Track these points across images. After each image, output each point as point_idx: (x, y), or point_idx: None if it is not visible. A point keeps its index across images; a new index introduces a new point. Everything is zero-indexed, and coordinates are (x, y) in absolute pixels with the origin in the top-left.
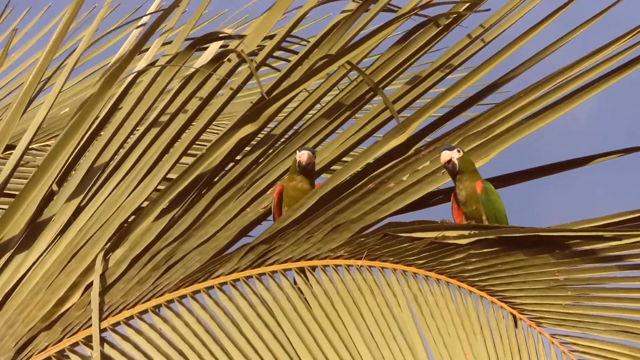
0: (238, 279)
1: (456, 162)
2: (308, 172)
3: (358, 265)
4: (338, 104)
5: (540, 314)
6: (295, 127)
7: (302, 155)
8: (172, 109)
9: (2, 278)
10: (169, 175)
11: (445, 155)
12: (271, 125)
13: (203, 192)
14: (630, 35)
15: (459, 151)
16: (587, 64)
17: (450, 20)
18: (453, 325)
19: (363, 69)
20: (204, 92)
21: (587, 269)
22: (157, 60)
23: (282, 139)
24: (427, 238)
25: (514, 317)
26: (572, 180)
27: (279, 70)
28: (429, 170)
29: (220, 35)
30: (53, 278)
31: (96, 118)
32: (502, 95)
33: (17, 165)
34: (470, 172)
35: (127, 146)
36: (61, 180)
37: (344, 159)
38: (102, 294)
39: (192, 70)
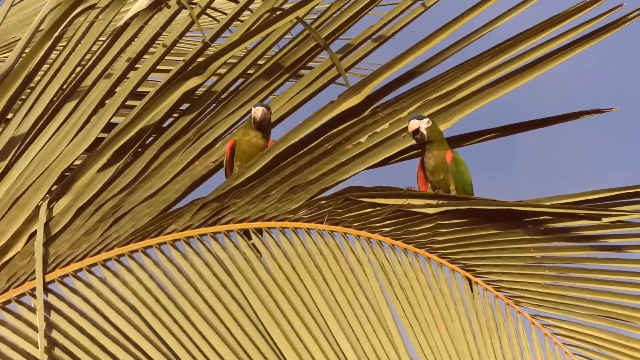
0: (192, 236)
1: (424, 132)
2: (263, 128)
3: (319, 229)
4: (287, 57)
5: (519, 293)
6: (242, 80)
7: (257, 111)
8: (112, 53)
9: None
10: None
11: (414, 125)
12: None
13: (148, 143)
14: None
15: (428, 121)
16: (556, 28)
17: None
18: (424, 298)
19: (310, 22)
20: (146, 37)
21: (565, 247)
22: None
23: (230, 91)
24: (392, 205)
25: (470, 282)
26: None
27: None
28: (388, 133)
29: None
30: None
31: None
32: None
33: None
34: (439, 141)
35: (65, 91)
36: None
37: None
38: (47, 244)
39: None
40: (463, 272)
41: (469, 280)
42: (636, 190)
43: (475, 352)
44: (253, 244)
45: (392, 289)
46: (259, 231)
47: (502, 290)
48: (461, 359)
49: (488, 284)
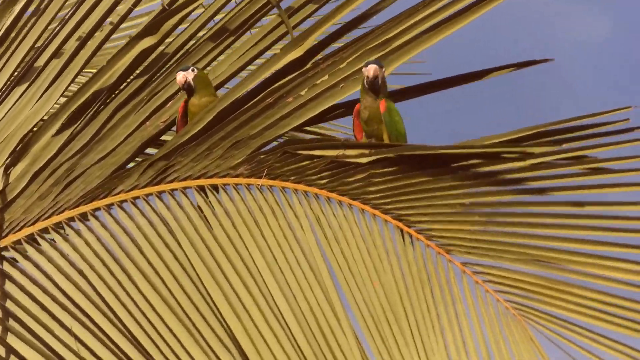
0: (138, 197)
1: (380, 80)
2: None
3: (259, 185)
4: (237, 16)
5: (449, 241)
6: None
7: (178, 75)
8: (72, 22)
9: None
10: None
11: (375, 71)
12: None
13: (103, 105)
14: None
15: (384, 69)
16: None
17: None
18: (358, 251)
19: None
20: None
21: (494, 192)
22: None
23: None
24: (327, 156)
25: (402, 232)
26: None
27: None
28: (327, 84)
29: None
30: None
31: None
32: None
33: None
34: (382, 92)
35: (27, 60)
36: None
37: (242, 74)
38: (2, 210)
39: None
40: (395, 222)
41: (401, 231)
42: (555, 127)
43: (407, 303)
44: (198, 206)
45: (328, 242)
46: (202, 189)
47: (433, 239)
48: (394, 310)
49: (420, 233)
